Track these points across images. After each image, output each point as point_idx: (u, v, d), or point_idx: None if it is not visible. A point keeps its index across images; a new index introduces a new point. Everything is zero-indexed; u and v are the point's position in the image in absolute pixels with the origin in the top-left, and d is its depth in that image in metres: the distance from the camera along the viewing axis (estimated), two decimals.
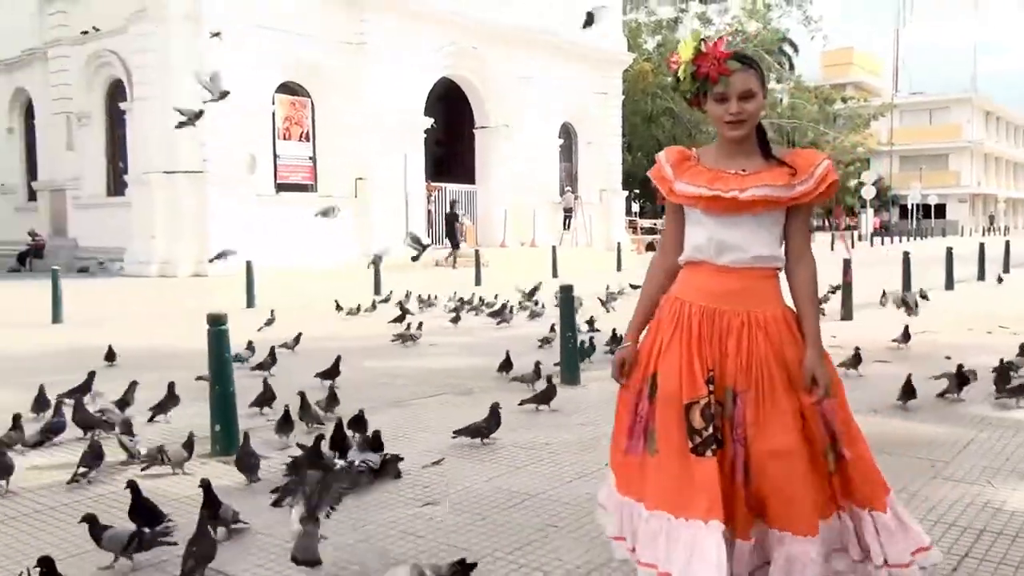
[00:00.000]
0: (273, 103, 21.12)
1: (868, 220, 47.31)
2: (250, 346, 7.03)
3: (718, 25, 41.39)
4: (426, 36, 23.57)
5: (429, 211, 25.34)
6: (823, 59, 60.85)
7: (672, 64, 2.35)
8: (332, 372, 5.94)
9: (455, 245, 23.10)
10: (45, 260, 22.58)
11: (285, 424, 4.44)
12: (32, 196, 24.74)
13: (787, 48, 46.92)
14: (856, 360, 6.27)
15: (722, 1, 42.44)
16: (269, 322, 9.28)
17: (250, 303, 12.13)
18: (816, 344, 2.27)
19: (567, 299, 5.92)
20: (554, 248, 19.87)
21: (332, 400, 5.07)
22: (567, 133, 29.60)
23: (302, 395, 4.82)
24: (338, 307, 11.10)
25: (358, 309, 10.98)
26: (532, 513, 3.51)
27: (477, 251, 17.40)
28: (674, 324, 2.31)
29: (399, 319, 9.42)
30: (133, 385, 5.17)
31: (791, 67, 47.54)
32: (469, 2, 24.17)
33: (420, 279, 16.52)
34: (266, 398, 5.19)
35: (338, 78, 21.91)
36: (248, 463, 3.78)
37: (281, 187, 21.42)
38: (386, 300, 12.07)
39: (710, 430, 2.18)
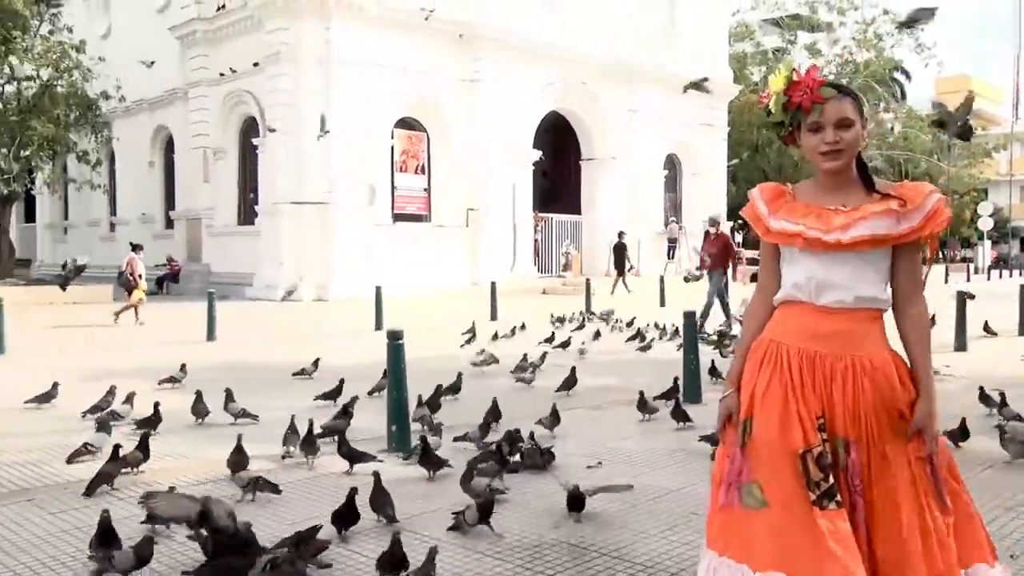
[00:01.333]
0: (392, 137, 22.29)
1: (985, 252, 45.62)
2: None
3: (828, 55, 41.01)
4: (535, 72, 24.46)
5: (536, 240, 26.09)
6: (937, 86, 59.12)
7: (763, 99, 2.30)
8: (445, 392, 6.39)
9: (620, 272, 23.73)
10: (180, 284, 24.33)
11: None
12: (169, 224, 26.62)
13: (899, 76, 46.00)
14: (963, 434, 5.15)
15: (832, 31, 42.01)
16: (470, 340, 10.33)
17: (378, 325, 12.96)
18: (928, 396, 2.15)
19: (690, 325, 6.41)
20: (661, 278, 20.24)
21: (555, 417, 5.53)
22: (672, 164, 29.95)
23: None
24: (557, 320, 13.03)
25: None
26: (675, 503, 4.02)
27: (588, 280, 17.90)
28: (773, 368, 2.20)
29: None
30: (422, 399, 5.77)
31: (903, 95, 46.54)
32: (576, 38, 24.95)
33: (533, 304, 17.17)
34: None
35: (452, 113, 22.98)
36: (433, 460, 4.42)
37: (398, 217, 22.52)
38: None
39: (830, 480, 2.07)
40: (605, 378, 8.03)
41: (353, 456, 4.41)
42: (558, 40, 24.51)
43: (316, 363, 8.09)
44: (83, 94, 21.56)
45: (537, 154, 25.10)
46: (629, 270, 24.12)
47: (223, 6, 22.94)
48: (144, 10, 26.08)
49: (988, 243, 46.44)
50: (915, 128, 41.83)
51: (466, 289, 21.72)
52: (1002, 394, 5.83)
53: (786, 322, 2.25)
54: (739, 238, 37.97)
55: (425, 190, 23.36)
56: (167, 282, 24.68)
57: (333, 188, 20.71)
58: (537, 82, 24.66)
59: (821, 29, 41.84)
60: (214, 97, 23.45)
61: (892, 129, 41.76)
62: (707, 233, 14.64)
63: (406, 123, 22.72)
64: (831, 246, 2.14)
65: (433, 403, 5.70)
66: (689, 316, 6.45)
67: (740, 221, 40.37)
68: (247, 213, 23.12)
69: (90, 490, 4.20)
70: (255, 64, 21.40)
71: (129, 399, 6.05)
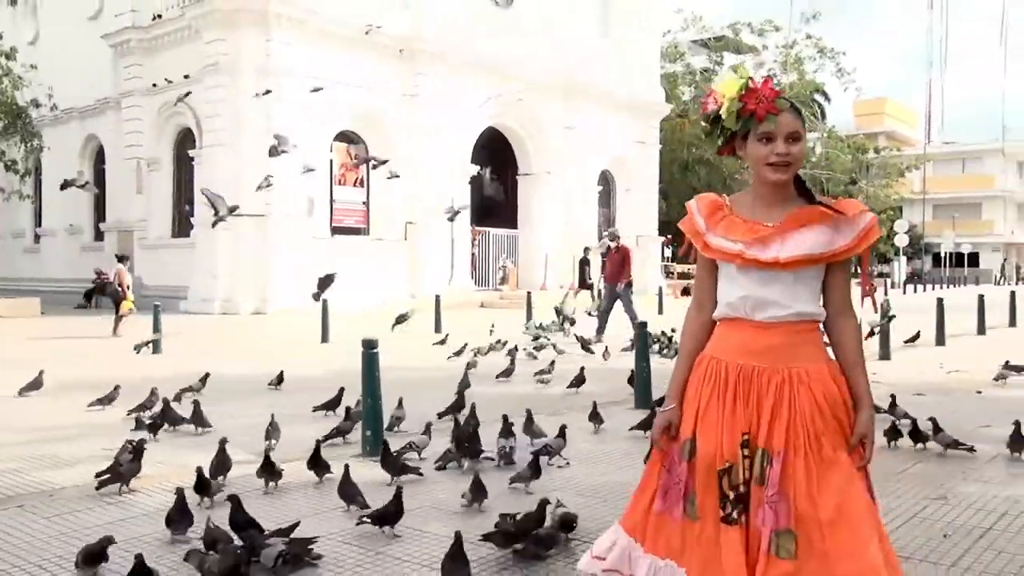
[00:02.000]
0: (331, 150, 22.32)
1: (901, 268, 47.64)
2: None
3: (754, 77, 42.41)
4: (474, 88, 24.79)
5: (473, 254, 26.36)
6: (856, 108, 61.65)
7: (708, 103, 2.27)
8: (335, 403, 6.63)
9: (583, 285, 24.32)
10: (111, 297, 23.81)
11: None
12: (98, 236, 26.05)
13: (819, 98, 47.80)
14: (896, 433, 5.48)
15: (757, 54, 43.49)
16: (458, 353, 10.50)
17: (324, 338, 13.03)
18: (868, 405, 2.21)
19: (643, 335, 6.77)
20: (600, 291, 20.69)
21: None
22: (606, 180, 30.61)
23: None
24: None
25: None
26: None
27: (529, 293, 18.22)
28: (712, 386, 2.25)
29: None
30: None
31: (823, 116, 48.37)
32: (514, 56, 25.38)
33: (474, 317, 17.39)
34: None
35: (391, 127, 23.11)
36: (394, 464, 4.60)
37: (336, 230, 22.53)
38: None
39: (731, 496, 2.16)
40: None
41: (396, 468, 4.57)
42: (496, 57, 24.90)
43: (280, 376, 8.17)
44: (13, 102, 21.03)
45: (475, 168, 25.42)
46: (590, 286, 24.80)
47: (159, 16, 22.68)
48: (74, 17, 25.59)
49: (903, 259, 48.53)
50: (836, 149, 43.55)
51: (405, 302, 21.82)
52: (892, 396, 6.19)
53: (725, 339, 2.28)
54: (668, 252, 39.03)
55: (364, 203, 23.43)
56: (96, 295, 24.13)
57: (271, 200, 20.62)
58: (475, 98, 25.00)
59: (746, 51, 43.29)
60: (148, 107, 23.13)
61: (814, 149, 43.36)
62: (608, 248, 14.85)
63: (345, 136, 22.79)
64: (768, 265, 2.18)
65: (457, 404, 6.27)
66: (642, 326, 6.81)
67: (669, 236, 41.57)
68: (182, 225, 22.83)
69: (101, 485, 4.39)
70: (185, 76, 21.31)
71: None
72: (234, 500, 3.56)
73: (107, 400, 6.91)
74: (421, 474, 4.66)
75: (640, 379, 6.77)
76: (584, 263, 25.00)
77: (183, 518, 3.64)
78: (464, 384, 6.95)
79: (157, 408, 6.23)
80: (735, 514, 2.15)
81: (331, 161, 22.33)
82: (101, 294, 23.86)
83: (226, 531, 3.42)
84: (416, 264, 23.44)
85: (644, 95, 30.93)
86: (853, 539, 2.07)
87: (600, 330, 13.56)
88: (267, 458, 4.45)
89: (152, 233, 23.44)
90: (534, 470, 4.36)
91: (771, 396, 2.16)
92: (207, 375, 7.85)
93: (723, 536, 2.14)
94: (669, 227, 37.79)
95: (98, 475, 4.45)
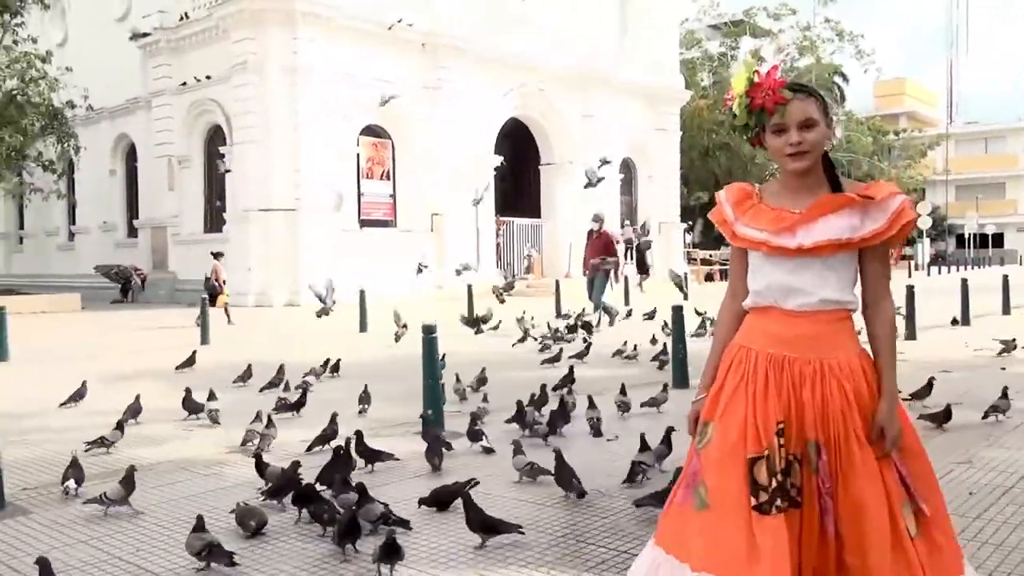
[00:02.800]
0: (358, 144, 22.74)
1: (925, 250, 47.56)
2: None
3: (770, 61, 42.45)
4: (495, 80, 25.14)
5: (498, 244, 26.73)
6: (876, 90, 61.37)
7: (727, 101, 2.27)
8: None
9: (643, 271, 25.59)
10: (147, 291, 24.44)
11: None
12: (132, 233, 26.66)
13: (839, 80, 47.71)
14: (947, 416, 5.63)
15: (774, 37, 43.46)
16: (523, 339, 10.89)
17: (363, 327, 13.44)
18: (890, 397, 2.17)
19: (678, 319, 7.12)
20: (627, 278, 21.00)
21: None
22: (627, 168, 30.86)
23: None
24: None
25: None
26: None
27: (557, 282, 18.53)
28: (740, 375, 2.20)
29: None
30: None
31: (843, 99, 48.27)
32: (534, 47, 25.68)
33: (503, 306, 17.75)
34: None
35: (416, 121, 23.52)
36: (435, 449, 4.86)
37: (364, 223, 22.96)
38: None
39: (773, 484, 2.07)
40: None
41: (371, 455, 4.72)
42: (517, 49, 25.21)
43: (325, 364, 8.52)
44: (49, 104, 21.60)
45: (498, 159, 25.76)
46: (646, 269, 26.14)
47: (186, 15, 23.16)
48: (103, 19, 26.14)
49: (927, 241, 48.44)
50: (857, 131, 43.50)
51: (433, 293, 22.26)
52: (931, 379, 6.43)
53: (755, 327, 2.25)
54: (689, 239, 39.24)
55: (391, 196, 23.85)
56: (132, 290, 24.76)
57: (301, 195, 21.10)
58: (497, 89, 25.33)
59: (761, 35, 43.31)
60: (178, 106, 23.63)
61: (834, 132, 43.32)
62: (590, 232, 14.60)
63: (371, 131, 23.19)
64: (794, 252, 2.15)
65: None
66: (677, 310, 7.16)
67: (691, 223, 41.78)
68: (214, 220, 23.34)
69: (91, 445, 5.15)
70: (207, 77, 21.96)
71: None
72: (358, 434, 4.59)
73: (246, 376, 8.07)
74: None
75: (676, 360, 7.12)
76: (646, 246, 26.37)
77: (288, 485, 3.95)
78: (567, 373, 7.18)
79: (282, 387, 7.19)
80: (774, 503, 2.06)
81: (358, 155, 22.74)
82: (140, 289, 24.53)
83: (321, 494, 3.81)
84: (442, 255, 23.81)
85: (663, 83, 31.14)
86: (878, 536, 2.05)
87: (607, 311, 13.46)
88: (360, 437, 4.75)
89: (185, 229, 23.98)
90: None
91: (808, 387, 2.13)
92: (328, 361, 8.49)
93: (760, 527, 2.04)
94: (690, 213, 38.17)
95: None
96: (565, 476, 4.05)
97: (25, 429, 6.15)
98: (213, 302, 15.89)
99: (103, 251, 27.39)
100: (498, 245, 26.70)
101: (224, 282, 16.92)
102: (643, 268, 25.59)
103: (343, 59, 21.58)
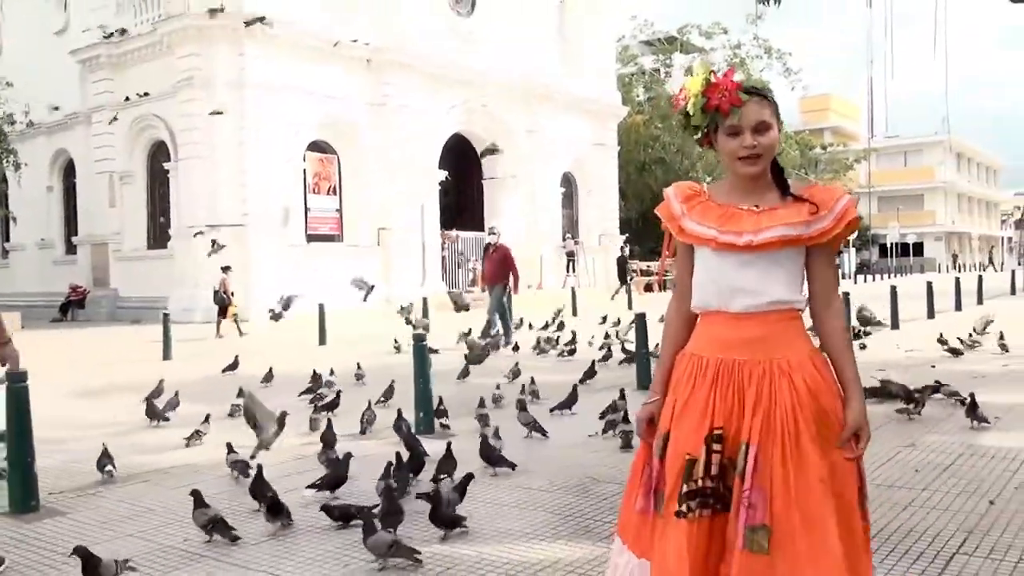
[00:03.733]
0: (304, 160, 22.87)
1: (851, 259, 49.41)
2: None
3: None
4: (439, 95, 25.54)
5: (443, 257, 27.09)
6: (801, 105, 63.50)
7: (679, 100, 2.23)
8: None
9: (623, 283, 27.08)
10: (88, 309, 24.07)
11: None
12: (70, 250, 26.21)
13: None
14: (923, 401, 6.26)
15: (705, 54, 44.84)
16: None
17: (322, 341, 13.65)
18: (859, 396, 2.15)
19: (641, 324, 7.61)
20: (573, 290, 21.60)
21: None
22: (568, 182, 31.57)
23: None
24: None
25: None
26: None
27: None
28: (691, 384, 2.18)
29: None
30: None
31: None
32: (479, 63, 26.18)
33: (453, 317, 18.10)
34: None
35: (362, 136, 23.75)
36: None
37: (311, 237, 23.08)
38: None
39: (686, 488, 2.09)
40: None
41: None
42: (460, 65, 25.68)
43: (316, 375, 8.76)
44: None
45: (443, 174, 26.15)
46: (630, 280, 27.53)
47: (124, 31, 22.99)
48: (39, 32, 25.76)
49: (852, 250, 50.34)
50: (785, 145, 45.07)
51: (381, 306, 22.44)
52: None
53: (704, 334, 2.24)
54: (627, 251, 40.16)
55: (337, 211, 24.01)
56: (72, 308, 24.35)
57: (248, 210, 21.12)
58: (441, 105, 25.73)
59: (695, 51, 44.65)
60: (120, 121, 23.40)
61: None
62: (487, 246, 14.28)
63: (318, 146, 23.35)
64: (742, 248, 2.13)
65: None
66: (640, 317, 7.66)
67: (627, 236, 42.64)
68: (158, 237, 23.17)
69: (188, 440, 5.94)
70: (146, 94, 21.83)
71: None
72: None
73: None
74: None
75: (640, 365, 7.62)
76: (623, 261, 28.46)
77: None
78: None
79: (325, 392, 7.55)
80: (687, 508, 2.08)
81: (304, 170, 22.87)
82: (80, 307, 24.14)
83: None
84: (389, 269, 24.06)
85: (601, 98, 32.02)
86: (822, 544, 2.01)
87: (507, 332, 12.93)
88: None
89: (127, 245, 23.73)
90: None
91: (753, 388, 2.10)
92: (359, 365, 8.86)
93: (671, 529, 2.08)
94: (628, 226, 39.05)
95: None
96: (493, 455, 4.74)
97: None
98: (224, 314, 16.93)
99: (41, 269, 26.88)
100: (444, 258, 27.04)
101: (233, 294, 17.43)
102: (623, 280, 26.76)
103: (289, 75, 21.71)
